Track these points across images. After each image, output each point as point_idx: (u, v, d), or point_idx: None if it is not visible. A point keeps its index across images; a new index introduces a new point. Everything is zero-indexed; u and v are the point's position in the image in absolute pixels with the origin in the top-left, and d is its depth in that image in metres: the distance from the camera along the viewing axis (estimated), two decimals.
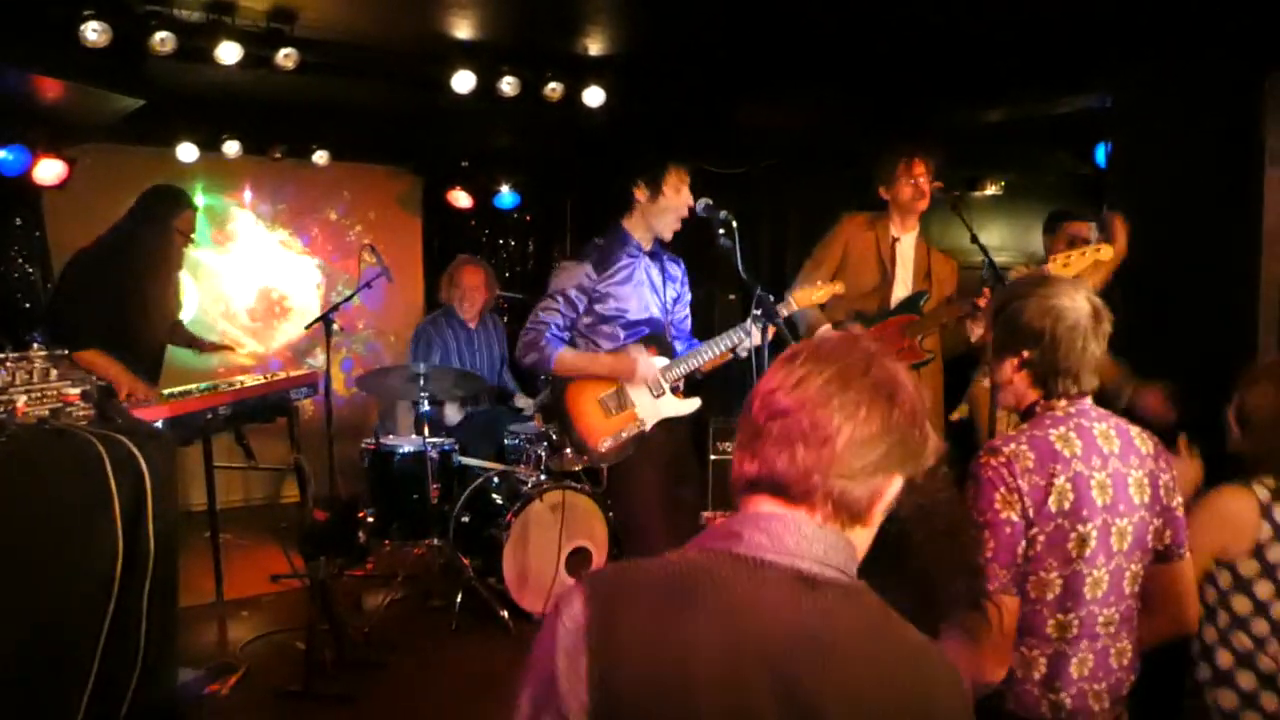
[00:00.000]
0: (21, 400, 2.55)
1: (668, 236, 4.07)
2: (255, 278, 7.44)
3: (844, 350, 1.38)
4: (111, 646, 2.46)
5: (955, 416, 4.72)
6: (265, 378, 4.90)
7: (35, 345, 2.83)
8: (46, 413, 2.63)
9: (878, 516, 1.38)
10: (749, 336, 3.69)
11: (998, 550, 2.10)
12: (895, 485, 1.37)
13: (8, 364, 2.70)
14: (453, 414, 6.01)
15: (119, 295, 4.62)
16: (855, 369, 1.35)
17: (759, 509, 1.35)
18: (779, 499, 1.34)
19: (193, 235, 4.92)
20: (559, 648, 1.24)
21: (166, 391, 4.35)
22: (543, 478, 5.09)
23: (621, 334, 4.01)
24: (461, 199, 7.66)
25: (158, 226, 4.76)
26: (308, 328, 5.58)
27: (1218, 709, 2.53)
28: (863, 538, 1.38)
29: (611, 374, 3.98)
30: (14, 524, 2.30)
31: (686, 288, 4.34)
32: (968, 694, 1.34)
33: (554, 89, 5.45)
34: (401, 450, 5.48)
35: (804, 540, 1.32)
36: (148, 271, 4.77)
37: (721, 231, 3.61)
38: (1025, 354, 2.24)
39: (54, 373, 2.75)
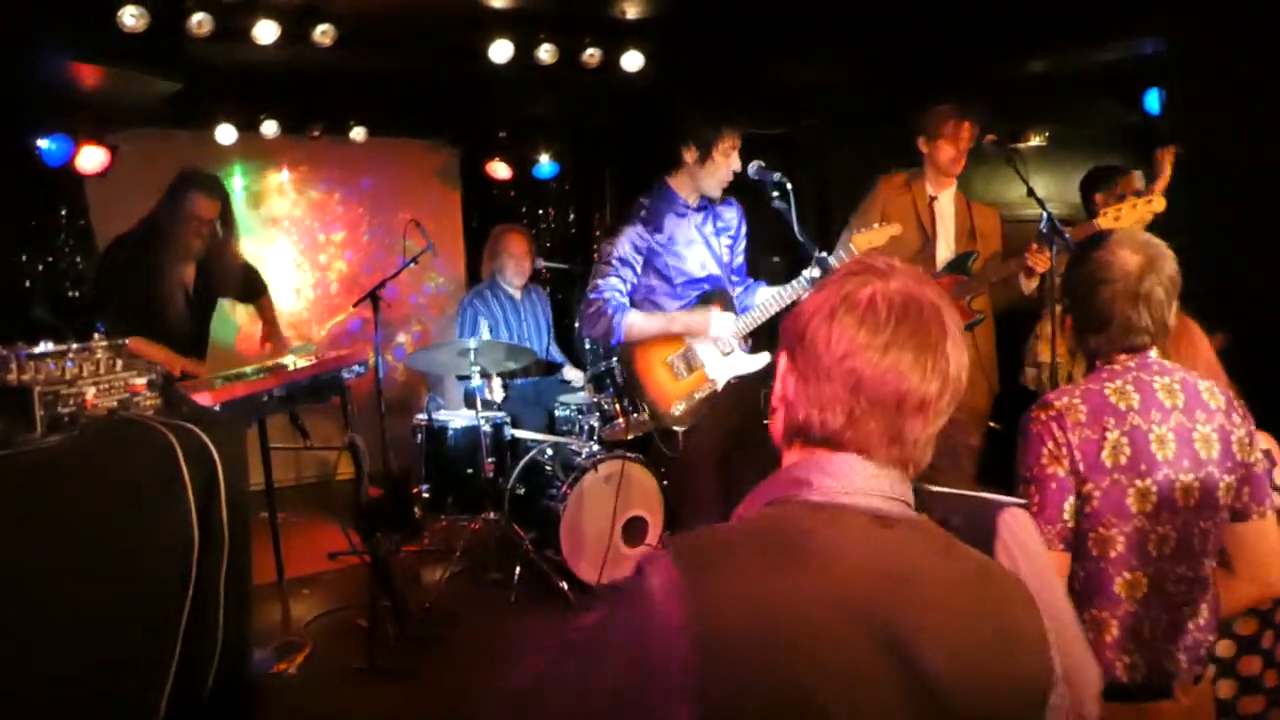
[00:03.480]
0: (90, 392, 2.55)
1: (715, 196, 4.01)
2: (297, 257, 7.46)
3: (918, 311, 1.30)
4: (191, 631, 2.48)
5: (1033, 385, 4.67)
6: (316, 357, 4.89)
7: (97, 335, 2.83)
8: (115, 403, 2.64)
9: None
10: (808, 285, 3.68)
11: (1043, 506, 2.10)
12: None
13: (71, 355, 2.71)
14: (498, 388, 6.02)
15: (146, 281, 4.62)
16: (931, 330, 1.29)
17: (815, 454, 1.31)
18: (831, 449, 1.31)
19: (212, 222, 4.81)
20: (650, 620, 1.14)
21: (220, 375, 4.35)
22: (595, 448, 5.09)
23: (682, 293, 3.98)
24: (500, 170, 7.63)
25: (172, 208, 4.70)
26: (355, 305, 5.58)
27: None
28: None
29: (686, 330, 3.94)
30: (92, 515, 2.32)
31: (743, 226, 4.26)
32: (1032, 599, 1.33)
33: (592, 55, 5.41)
34: (454, 425, 5.49)
35: (871, 479, 1.28)
36: (167, 254, 4.72)
37: (775, 194, 3.56)
38: (1067, 304, 2.28)
39: (119, 363, 2.76)
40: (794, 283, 3.90)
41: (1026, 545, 1.85)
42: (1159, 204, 3.87)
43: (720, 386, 3.95)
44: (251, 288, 5.31)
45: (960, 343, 1.31)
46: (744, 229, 4.26)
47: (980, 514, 1.90)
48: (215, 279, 5.03)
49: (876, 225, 4.11)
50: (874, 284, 1.30)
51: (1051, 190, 6.50)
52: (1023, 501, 1.91)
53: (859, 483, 1.28)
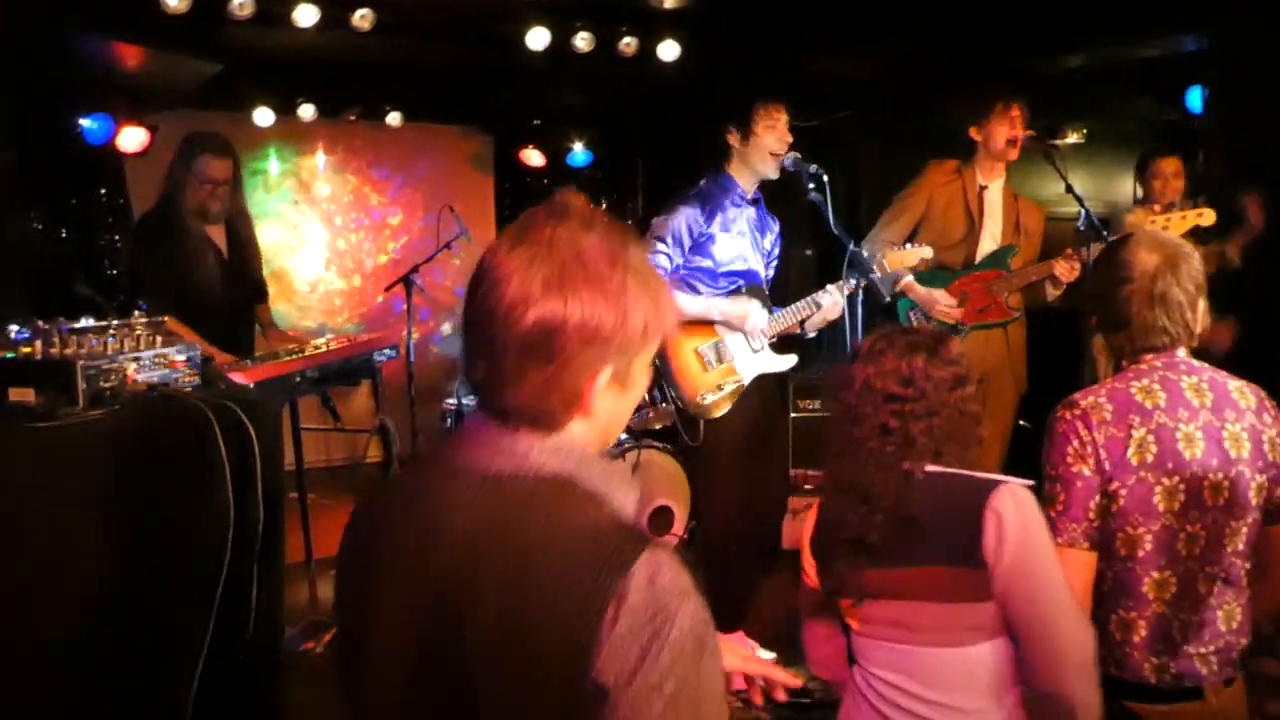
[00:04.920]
0: (131, 367, 2.58)
1: (773, 175, 3.94)
2: (331, 240, 7.50)
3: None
4: (224, 612, 2.51)
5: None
6: (349, 339, 4.90)
7: (138, 312, 2.86)
8: (154, 379, 2.67)
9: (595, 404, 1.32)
10: (842, 294, 3.66)
11: (1069, 504, 2.09)
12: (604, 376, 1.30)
13: (112, 331, 2.74)
14: None
15: (169, 255, 4.55)
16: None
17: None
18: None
19: (227, 182, 4.63)
20: None
21: (253, 356, 4.37)
22: (622, 437, 5.08)
23: (720, 283, 3.96)
24: (534, 158, 7.64)
25: (183, 174, 4.55)
26: (387, 290, 5.59)
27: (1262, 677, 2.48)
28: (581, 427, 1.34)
29: (725, 319, 3.91)
30: (131, 488, 2.35)
31: (778, 247, 4.26)
32: (589, 606, 1.14)
33: (628, 44, 5.40)
34: None
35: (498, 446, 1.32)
36: (187, 218, 4.58)
37: (811, 186, 3.54)
38: (1090, 305, 2.29)
39: (158, 339, 2.79)
40: (835, 286, 3.85)
41: (1020, 518, 1.85)
42: (1209, 218, 3.88)
43: (747, 382, 3.94)
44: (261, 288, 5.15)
45: (615, 292, 1.28)
46: (779, 250, 4.24)
47: (970, 489, 1.89)
48: (244, 241, 4.91)
49: (909, 246, 4.08)
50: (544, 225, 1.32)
51: (1089, 188, 6.44)
52: (1028, 482, 1.91)
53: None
